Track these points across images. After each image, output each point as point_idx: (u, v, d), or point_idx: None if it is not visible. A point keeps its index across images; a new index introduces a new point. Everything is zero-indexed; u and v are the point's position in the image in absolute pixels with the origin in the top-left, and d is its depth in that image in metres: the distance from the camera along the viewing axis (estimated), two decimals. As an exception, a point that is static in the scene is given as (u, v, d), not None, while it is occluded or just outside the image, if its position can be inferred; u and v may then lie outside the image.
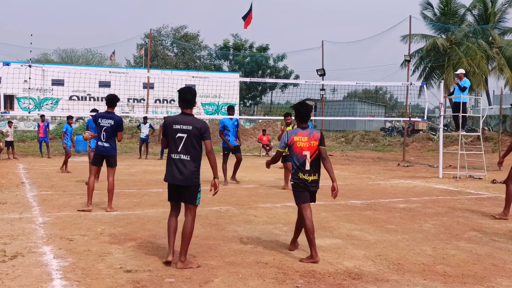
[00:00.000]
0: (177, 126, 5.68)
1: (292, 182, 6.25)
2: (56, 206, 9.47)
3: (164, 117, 8.88)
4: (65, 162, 16.12)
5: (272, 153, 26.22)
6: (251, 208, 9.57)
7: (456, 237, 7.37)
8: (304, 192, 6.17)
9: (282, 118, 13.69)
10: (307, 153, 6.11)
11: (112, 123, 8.99)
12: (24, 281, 5.03)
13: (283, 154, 6.89)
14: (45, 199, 10.29)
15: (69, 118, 17.17)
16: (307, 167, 6.11)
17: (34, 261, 5.78)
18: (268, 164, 6.89)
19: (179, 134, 5.65)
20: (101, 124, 9.04)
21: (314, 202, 6.35)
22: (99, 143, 9.08)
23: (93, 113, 17.17)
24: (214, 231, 7.54)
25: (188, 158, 5.68)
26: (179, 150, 5.67)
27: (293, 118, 7.58)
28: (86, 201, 9.18)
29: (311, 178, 6.16)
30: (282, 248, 6.57)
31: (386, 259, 6.12)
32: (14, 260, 5.76)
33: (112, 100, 9.19)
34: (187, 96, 5.80)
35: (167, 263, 5.68)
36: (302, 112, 6.35)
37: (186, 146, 5.66)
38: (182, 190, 5.75)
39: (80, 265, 5.64)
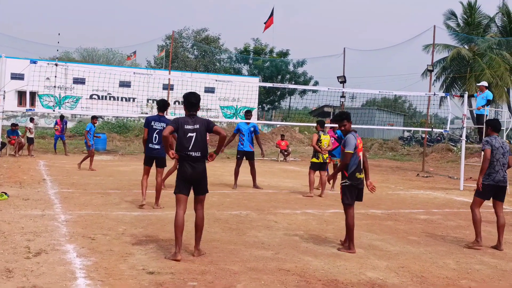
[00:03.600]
0: (189, 127, 6.20)
1: (348, 183, 6.91)
2: (78, 204, 9.54)
3: (174, 119, 9.28)
4: (90, 161, 16.31)
5: (291, 158, 26.16)
6: (271, 214, 9.54)
7: (480, 251, 7.27)
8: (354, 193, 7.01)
9: (300, 124, 13.67)
10: (361, 154, 6.98)
11: (164, 126, 9.20)
12: (48, 279, 5.06)
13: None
14: (66, 197, 10.37)
15: (94, 118, 17.52)
16: (361, 166, 6.98)
17: (57, 258, 5.82)
18: (333, 176, 7.72)
19: (189, 134, 6.16)
20: (154, 127, 9.48)
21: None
22: (150, 145, 9.51)
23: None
24: (235, 235, 7.53)
25: (199, 154, 6.19)
26: (190, 148, 6.15)
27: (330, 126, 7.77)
28: (142, 198, 9.57)
29: (362, 176, 7.03)
30: (304, 255, 6.53)
31: (409, 271, 6.05)
32: (38, 257, 5.81)
33: (164, 105, 9.70)
34: (191, 100, 6.32)
35: (176, 261, 5.92)
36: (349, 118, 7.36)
37: (196, 143, 6.16)
38: (197, 183, 6.27)
39: (103, 264, 5.66)
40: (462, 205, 12.09)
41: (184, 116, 6.39)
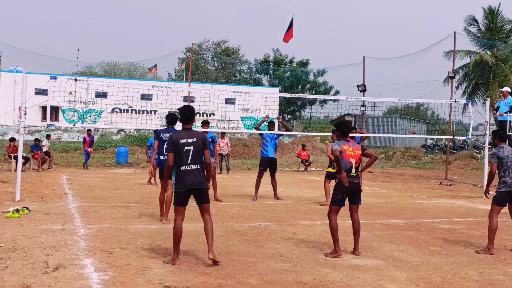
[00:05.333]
0: (184, 140, 6.38)
1: (337, 181, 7.22)
2: (98, 218, 9.60)
3: (157, 130, 9.53)
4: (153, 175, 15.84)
5: (312, 168, 26.05)
6: (290, 225, 9.47)
7: (503, 261, 7.10)
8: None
9: (321, 134, 13.54)
10: (352, 160, 7.17)
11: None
12: (65, 294, 5.08)
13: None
14: (87, 211, 10.46)
15: (155, 132, 17.45)
16: (352, 171, 7.20)
17: (75, 273, 5.84)
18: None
19: (186, 148, 6.34)
20: (163, 138, 9.54)
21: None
22: (162, 157, 9.57)
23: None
24: (253, 248, 7.48)
25: (198, 167, 6.42)
26: (189, 161, 6.35)
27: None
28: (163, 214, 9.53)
29: (353, 174, 7.22)
30: (322, 267, 6.45)
31: (430, 282, 5.93)
32: (56, 272, 5.83)
33: (173, 119, 9.70)
34: (185, 113, 6.55)
35: (175, 265, 6.24)
36: (344, 129, 7.38)
37: (194, 156, 6.36)
38: (198, 194, 6.46)
39: (120, 279, 5.66)
40: (486, 213, 11.79)
41: (180, 131, 6.64)
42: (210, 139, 12.81)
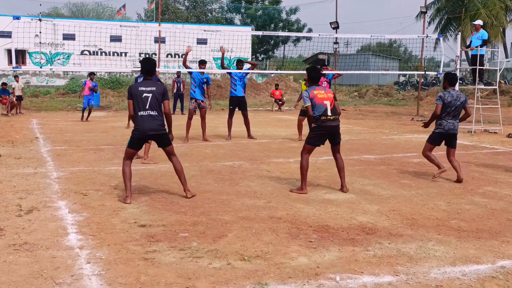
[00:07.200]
0: (143, 88, 6.61)
1: (314, 125, 7.15)
2: (70, 161, 9.53)
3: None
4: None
5: (285, 107, 26.07)
6: (264, 163, 9.56)
7: (471, 192, 7.32)
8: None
9: (294, 72, 13.53)
10: (327, 102, 7.11)
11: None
12: (40, 235, 5.08)
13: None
14: (59, 154, 10.35)
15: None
16: (328, 112, 7.11)
17: (49, 215, 5.83)
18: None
19: (145, 95, 6.56)
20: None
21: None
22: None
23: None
24: (228, 186, 7.55)
25: (156, 113, 6.58)
26: (146, 107, 6.54)
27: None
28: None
29: (330, 117, 7.14)
30: (295, 203, 6.57)
31: (400, 214, 6.09)
32: (30, 215, 5.82)
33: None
34: (146, 66, 6.79)
35: (127, 203, 6.35)
36: (313, 75, 7.36)
37: (152, 103, 6.55)
38: (158, 139, 6.70)
39: (95, 219, 5.68)
40: (455, 147, 12.12)
41: (140, 81, 6.92)
42: (205, 80, 12.73)
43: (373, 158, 10.32)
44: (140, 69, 9.39)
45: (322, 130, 7.14)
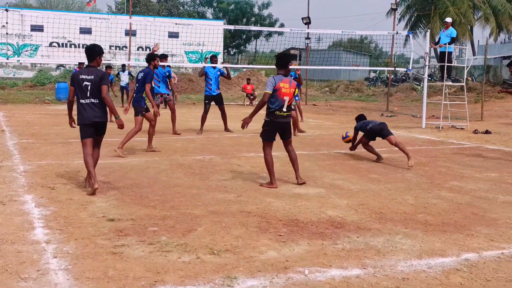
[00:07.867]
0: (83, 76, 6.67)
1: (267, 120, 7.28)
2: (38, 155, 9.36)
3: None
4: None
5: (256, 102, 26.09)
6: (235, 158, 9.55)
7: (437, 186, 7.45)
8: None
9: (266, 67, 13.61)
10: (286, 98, 7.09)
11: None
12: (5, 230, 4.98)
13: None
14: (26, 147, 10.16)
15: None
16: (284, 109, 7.15)
17: (15, 209, 5.72)
18: (250, 117, 7.61)
19: (85, 83, 6.65)
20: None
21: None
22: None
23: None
24: (198, 180, 7.53)
25: (97, 101, 6.69)
26: (88, 95, 6.65)
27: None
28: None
29: (284, 113, 7.20)
30: (265, 197, 6.58)
31: (369, 208, 6.17)
32: (-5, 209, 5.70)
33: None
34: (88, 52, 6.83)
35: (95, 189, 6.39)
36: (282, 60, 7.34)
37: (92, 91, 6.65)
38: (99, 126, 6.80)
39: (62, 213, 5.60)
40: (423, 142, 12.34)
41: (83, 68, 7.01)
42: (167, 73, 12.70)
43: (343, 153, 10.41)
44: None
45: (274, 126, 7.24)
